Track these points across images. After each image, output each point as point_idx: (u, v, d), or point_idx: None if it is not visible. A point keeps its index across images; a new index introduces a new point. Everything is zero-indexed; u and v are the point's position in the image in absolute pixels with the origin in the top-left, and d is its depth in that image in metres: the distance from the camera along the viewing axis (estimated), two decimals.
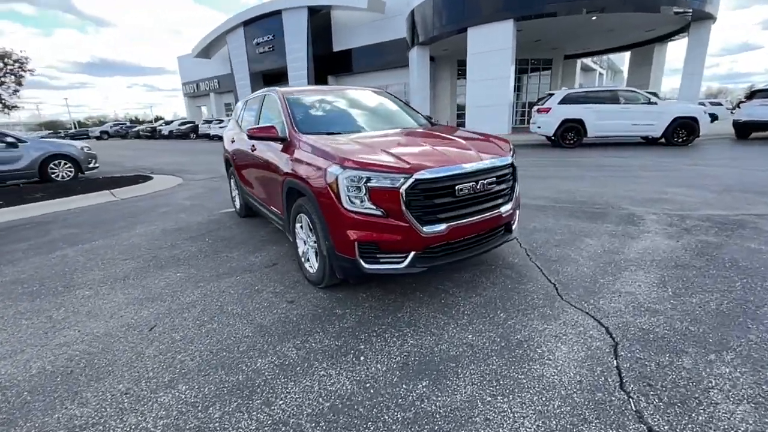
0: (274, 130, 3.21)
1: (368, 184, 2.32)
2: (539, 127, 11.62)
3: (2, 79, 6.38)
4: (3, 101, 6.60)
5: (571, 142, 11.29)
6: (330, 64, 28.54)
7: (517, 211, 3.17)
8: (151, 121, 52.87)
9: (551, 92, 11.67)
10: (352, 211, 2.35)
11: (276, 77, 31.85)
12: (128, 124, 44.89)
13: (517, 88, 23.99)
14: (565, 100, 10.97)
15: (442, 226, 2.40)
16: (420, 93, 21.85)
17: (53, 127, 69.37)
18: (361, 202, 2.34)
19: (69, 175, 9.38)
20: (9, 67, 6.49)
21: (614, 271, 2.93)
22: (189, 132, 30.93)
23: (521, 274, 2.99)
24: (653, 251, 3.27)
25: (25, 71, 6.94)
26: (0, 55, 6.60)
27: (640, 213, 4.42)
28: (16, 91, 6.66)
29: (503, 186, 2.74)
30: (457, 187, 2.41)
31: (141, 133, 35.90)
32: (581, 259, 3.20)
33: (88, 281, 3.24)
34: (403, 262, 2.40)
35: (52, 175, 9.12)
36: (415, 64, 21.34)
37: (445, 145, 2.79)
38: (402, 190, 2.28)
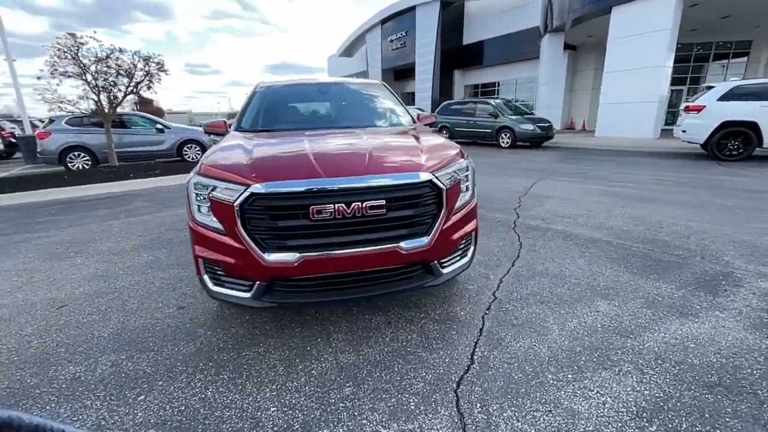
0: (223, 125, 3.08)
1: (212, 194, 1.96)
2: (684, 131, 8.74)
3: (144, 78, 8.08)
4: (141, 96, 8.37)
5: (734, 153, 8.16)
6: (458, 58, 27.62)
7: (471, 249, 2.33)
8: None
9: (710, 84, 8.60)
10: (200, 223, 2.03)
11: (405, 73, 32.61)
12: None
13: (684, 80, 18.79)
14: (728, 96, 7.92)
15: (293, 256, 1.86)
16: (549, 86, 19.22)
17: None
18: (207, 213, 2.00)
19: (198, 156, 11.39)
20: (148, 68, 8.18)
21: (589, 364, 1.85)
22: None
23: (443, 337, 2.16)
24: (704, 348, 1.97)
25: (162, 71, 8.67)
26: (145, 58, 8.37)
27: (741, 273, 2.78)
28: (149, 87, 8.37)
29: (406, 213, 1.99)
30: (311, 208, 1.83)
31: None
32: (554, 332, 2.14)
33: (91, 251, 3.75)
34: (248, 291, 1.97)
35: (185, 156, 11.21)
36: (546, 54, 18.80)
37: (341, 151, 2.19)
38: (236, 204, 1.85)
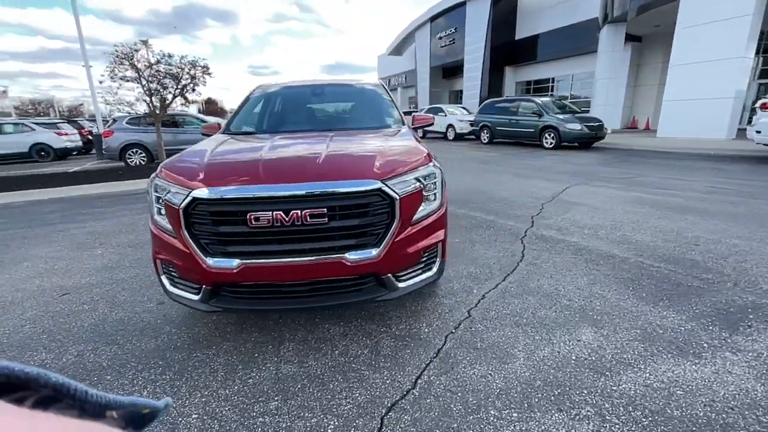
0: (216, 127, 3.17)
1: (165, 197, 2.00)
2: (758, 132, 7.57)
3: (190, 81, 8.70)
4: (186, 98, 9.02)
5: None
6: (510, 53, 26.42)
7: (437, 262, 2.18)
8: None
9: None
10: (157, 224, 2.09)
11: (453, 71, 31.91)
12: None
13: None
14: None
15: (233, 262, 1.85)
16: (607, 81, 17.73)
17: None
18: (163, 216, 2.05)
19: None
20: (194, 71, 8.78)
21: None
22: None
23: (395, 355, 2.03)
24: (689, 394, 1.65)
25: (207, 74, 9.26)
26: (192, 62, 9.00)
27: None
28: (194, 89, 9.00)
29: (351, 222, 1.88)
30: (249, 215, 1.79)
31: None
32: (518, 361, 1.92)
33: (113, 243, 4.07)
34: (197, 294, 1.99)
35: None
36: (605, 47, 17.35)
37: (294, 157, 2.12)
38: (181, 208, 1.87)
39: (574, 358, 1.94)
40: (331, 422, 1.59)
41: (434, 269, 2.19)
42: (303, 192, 1.81)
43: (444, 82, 34.18)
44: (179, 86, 9.24)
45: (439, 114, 17.17)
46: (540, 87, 26.39)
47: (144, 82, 8.86)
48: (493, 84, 27.21)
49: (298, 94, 3.60)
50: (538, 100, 12.37)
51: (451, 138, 16.56)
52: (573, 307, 2.43)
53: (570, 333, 2.15)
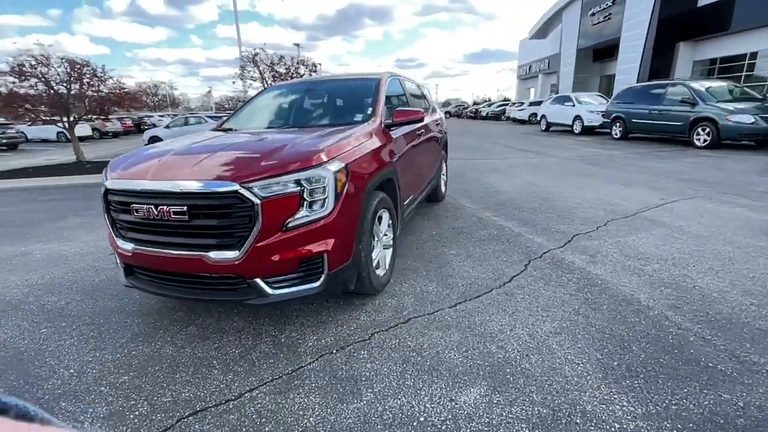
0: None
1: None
2: None
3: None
4: None
5: None
6: (687, 25, 20.92)
7: (322, 274, 2.03)
8: (477, 103, 59.48)
9: None
10: None
11: (605, 52, 27.21)
12: (465, 104, 52.61)
13: None
14: None
15: (129, 246, 2.09)
16: None
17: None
18: None
19: None
20: (305, 68, 9.79)
21: None
22: (500, 114, 32.56)
23: (257, 361, 1.97)
24: None
25: (314, 72, 10.16)
26: (302, 61, 10.02)
27: None
28: None
29: (210, 222, 1.89)
30: (131, 206, 1.99)
31: (468, 114, 41.32)
32: (360, 400, 1.63)
33: None
34: (122, 270, 2.32)
35: None
36: None
37: (190, 155, 2.19)
38: (102, 192, 2.19)
39: (419, 420, 1.54)
40: (138, 409, 1.67)
41: (318, 282, 2.02)
42: (166, 189, 1.90)
43: (594, 66, 29.45)
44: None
45: (566, 104, 14.91)
46: (729, 66, 20.21)
47: (264, 83, 10.33)
48: (657, 65, 22.10)
49: (294, 91, 3.69)
50: (694, 84, 9.50)
51: (577, 131, 14.24)
52: (493, 358, 1.90)
53: (451, 389, 1.70)
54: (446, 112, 49.00)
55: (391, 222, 2.78)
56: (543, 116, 16.62)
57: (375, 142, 2.58)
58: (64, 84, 9.98)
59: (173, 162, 2.13)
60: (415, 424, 1.52)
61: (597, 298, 2.41)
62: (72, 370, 1.95)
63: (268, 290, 1.96)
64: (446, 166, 5.34)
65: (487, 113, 34.63)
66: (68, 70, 10.05)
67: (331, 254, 2.01)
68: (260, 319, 2.35)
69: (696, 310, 2.22)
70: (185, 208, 1.87)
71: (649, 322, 2.12)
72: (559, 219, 4.06)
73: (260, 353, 2.03)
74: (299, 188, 1.92)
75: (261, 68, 10.17)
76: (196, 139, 2.68)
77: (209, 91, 54.06)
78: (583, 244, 3.35)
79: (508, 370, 1.81)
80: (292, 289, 1.99)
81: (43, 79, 9.77)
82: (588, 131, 13.96)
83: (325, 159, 2.01)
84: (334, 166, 2.03)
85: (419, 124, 3.66)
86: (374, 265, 2.48)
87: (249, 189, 1.83)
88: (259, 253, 1.88)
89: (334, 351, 2.01)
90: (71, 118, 10.06)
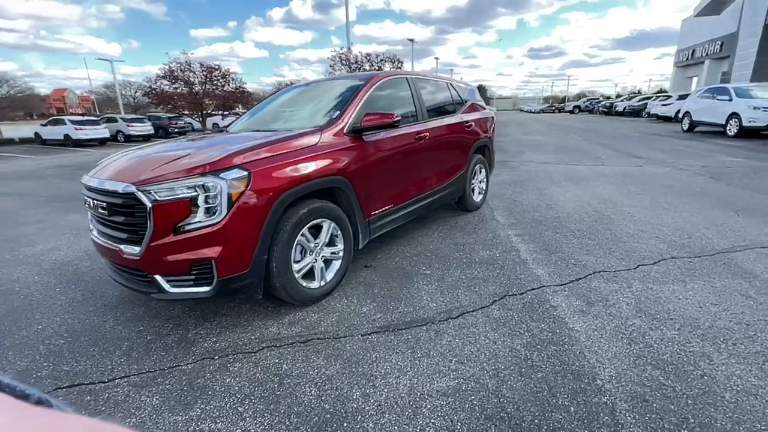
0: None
1: None
2: None
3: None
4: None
5: None
6: None
7: (213, 280, 2.08)
8: (618, 96, 50.96)
9: None
10: None
11: None
12: (599, 99, 45.75)
13: None
14: None
15: (93, 231, 2.46)
16: None
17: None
18: None
19: None
20: (390, 65, 9.84)
21: None
22: (640, 110, 27.38)
23: (135, 350, 2.11)
24: None
25: (397, 68, 10.11)
26: (389, 58, 10.07)
27: None
28: None
29: (117, 219, 2.08)
30: (84, 198, 2.33)
31: (600, 109, 35.97)
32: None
33: None
34: None
35: None
36: None
37: (147, 155, 2.40)
38: None
39: None
40: (42, 371, 1.97)
41: (208, 287, 2.05)
42: (95, 186, 2.17)
43: None
44: None
45: (719, 97, 11.65)
46: None
47: None
48: None
49: (286, 94, 3.72)
50: None
51: (732, 133, 11.02)
52: (345, 408, 1.65)
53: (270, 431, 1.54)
54: (575, 107, 43.64)
55: (341, 233, 2.63)
56: (686, 113, 13.35)
57: (318, 149, 2.47)
58: (200, 85, 12.19)
59: (118, 163, 2.39)
60: None
61: (540, 362, 1.87)
62: (25, 331, 2.41)
63: (166, 287, 2.07)
64: (486, 172, 4.78)
65: (624, 109, 29.64)
66: (204, 73, 12.24)
67: (219, 261, 2.02)
68: (196, 311, 2.51)
69: (673, 413, 1.54)
70: (105, 204, 2.11)
71: (577, 416, 1.56)
72: (595, 248, 3.26)
73: (163, 344, 2.17)
74: (193, 194, 1.96)
75: (352, 67, 10.62)
76: (168, 143, 2.99)
77: None
78: (594, 285, 2.62)
79: (348, 425, 1.55)
80: (186, 290, 2.07)
81: (185, 81, 12.06)
82: (748, 133, 10.72)
83: (220, 167, 2.01)
84: (232, 175, 2.01)
85: (416, 129, 3.36)
86: (300, 275, 2.40)
87: (145, 192, 1.96)
88: (154, 252, 2.00)
89: (216, 357, 2.03)
90: (202, 113, 12.29)
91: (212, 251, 2.01)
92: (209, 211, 1.99)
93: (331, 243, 2.63)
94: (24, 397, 0.24)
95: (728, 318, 2.18)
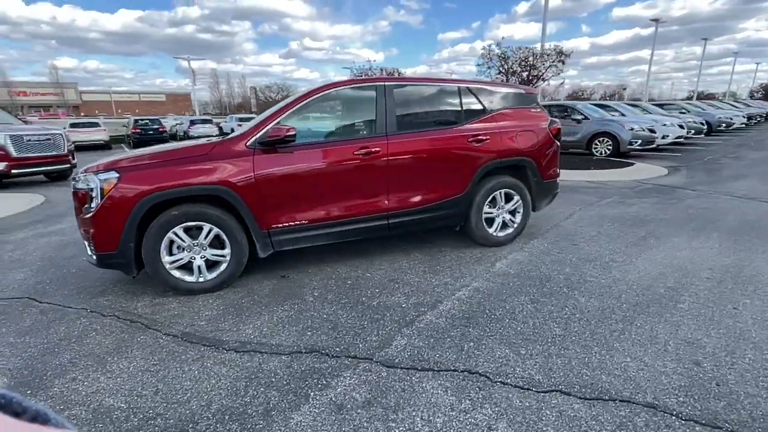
0: None
1: None
2: None
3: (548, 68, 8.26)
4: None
5: None
6: None
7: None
8: None
9: None
10: None
11: None
12: None
13: None
14: None
15: None
16: None
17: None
18: None
19: (607, 152, 10.07)
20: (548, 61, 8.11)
21: None
22: None
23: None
24: None
25: (561, 61, 8.18)
26: (557, 50, 8.24)
27: None
28: (557, 73, 8.21)
29: None
30: None
31: None
32: None
33: None
34: None
35: (594, 150, 10.28)
36: None
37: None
38: None
39: None
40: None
41: (94, 258, 2.69)
42: None
43: None
44: (532, 74, 9.34)
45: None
46: None
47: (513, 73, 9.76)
48: None
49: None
50: None
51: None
52: None
53: None
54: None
55: (227, 238, 2.80)
56: None
57: (205, 160, 2.70)
58: None
59: None
60: None
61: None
62: None
63: (88, 252, 2.84)
64: (524, 201, 3.66)
65: None
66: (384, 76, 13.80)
67: (95, 239, 2.61)
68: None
69: None
70: None
71: None
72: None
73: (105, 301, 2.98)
74: (89, 186, 2.62)
75: (509, 63, 9.67)
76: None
77: (562, 83, 52.73)
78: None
79: None
80: (91, 257, 2.78)
81: None
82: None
83: (101, 169, 2.58)
84: (105, 176, 2.55)
85: (361, 144, 3.04)
86: (174, 267, 2.74)
87: (76, 180, 2.75)
88: (79, 222, 2.80)
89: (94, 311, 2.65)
90: None
91: (90, 234, 2.63)
92: (92, 201, 2.61)
93: (222, 246, 2.84)
94: (21, 411, 0.24)
95: None
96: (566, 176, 7.39)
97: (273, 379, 1.90)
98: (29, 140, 7.56)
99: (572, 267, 3.16)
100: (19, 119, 9.99)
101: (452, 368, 1.94)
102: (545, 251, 3.52)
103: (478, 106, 3.51)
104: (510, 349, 2.09)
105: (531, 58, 8.96)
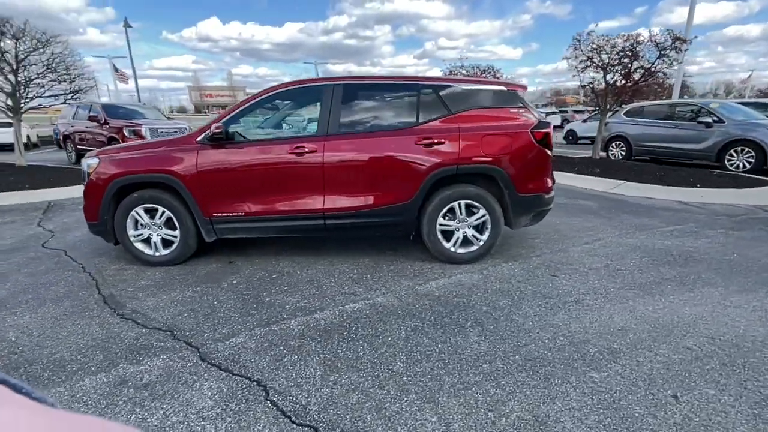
0: None
1: None
2: None
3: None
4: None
5: None
6: None
7: None
8: None
9: None
10: None
11: None
12: None
13: None
14: None
15: None
16: None
17: None
18: None
19: (747, 166, 7.65)
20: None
21: None
22: None
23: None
24: None
25: (674, 49, 6.16)
26: (673, 35, 6.30)
27: None
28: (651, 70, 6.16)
29: None
30: None
31: None
32: None
33: None
34: None
35: (728, 163, 7.92)
36: None
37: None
38: None
39: None
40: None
41: (88, 225, 3.41)
42: None
43: None
44: (626, 67, 7.65)
45: None
46: None
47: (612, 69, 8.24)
48: None
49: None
50: None
51: None
52: None
53: None
54: None
55: (177, 221, 3.22)
56: None
57: (162, 152, 3.15)
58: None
59: None
60: None
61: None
62: None
63: None
64: (493, 216, 3.16)
65: None
66: (476, 74, 13.07)
67: (84, 211, 3.30)
68: None
69: None
70: None
71: None
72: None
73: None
74: (83, 168, 3.33)
75: (601, 56, 8.13)
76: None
77: (749, 76, 40.92)
78: None
79: None
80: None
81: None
82: None
83: (90, 155, 3.24)
84: (90, 161, 3.21)
85: (298, 144, 3.09)
86: (138, 240, 3.28)
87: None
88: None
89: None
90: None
91: (84, 203, 3.34)
92: (84, 180, 3.30)
93: (174, 228, 3.28)
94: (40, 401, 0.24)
95: None
96: (650, 193, 5.90)
97: (114, 345, 2.16)
98: (161, 131, 9.74)
99: (513, 301, 2.61)
100: (168, 117, 12.90)
101: (247, 376, 1.89)
102: (504, 278, 2.97)
103: (439, 106, 3.15)
104: (322, 372, 1.91)
105: (632, 47, 7.21)
